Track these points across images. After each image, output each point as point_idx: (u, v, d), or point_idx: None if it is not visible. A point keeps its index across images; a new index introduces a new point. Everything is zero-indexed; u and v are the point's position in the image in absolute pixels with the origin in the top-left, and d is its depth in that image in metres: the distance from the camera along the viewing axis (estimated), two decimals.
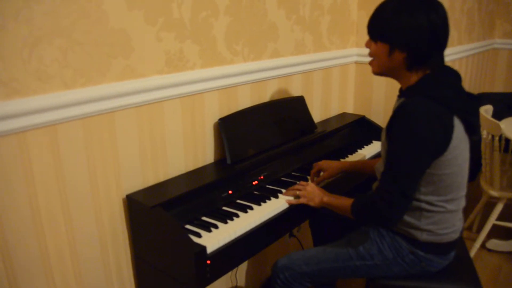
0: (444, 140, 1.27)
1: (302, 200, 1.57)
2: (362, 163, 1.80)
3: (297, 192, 1.60)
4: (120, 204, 1.46)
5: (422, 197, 1.35)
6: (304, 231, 2.35)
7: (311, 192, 1.56)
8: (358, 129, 2.35)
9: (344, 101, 2.57)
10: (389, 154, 1.32)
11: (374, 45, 1.36)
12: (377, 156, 2.12)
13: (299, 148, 1.96)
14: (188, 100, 1.61)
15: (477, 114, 1.36)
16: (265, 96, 1.98)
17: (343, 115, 2.48)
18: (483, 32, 3.54)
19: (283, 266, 1.54)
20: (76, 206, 1.34)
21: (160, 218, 1.33)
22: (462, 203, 1.42)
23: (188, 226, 1.43)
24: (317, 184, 1.74)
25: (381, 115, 2.52)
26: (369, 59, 1.41)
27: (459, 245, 1.54)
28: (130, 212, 1.46)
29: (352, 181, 1.95)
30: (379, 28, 1.33)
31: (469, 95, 1.36)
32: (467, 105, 1.32)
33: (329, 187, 1.72)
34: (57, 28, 1.20)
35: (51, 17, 1.18)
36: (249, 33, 1.82)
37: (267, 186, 1.74)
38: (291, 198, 1.60)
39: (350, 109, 2.62)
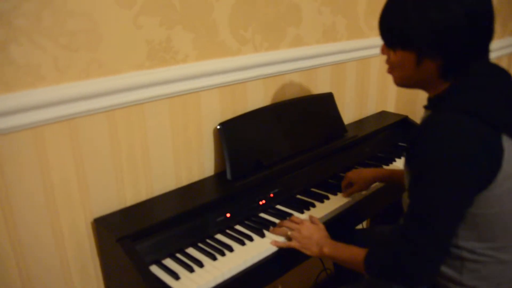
0: (488, 169, 0.91)
1: (293, 244, 1.19)
2: (401, 172, 1.40)
3: (289, 233, 1.22)
4: (88, 229, 1.20)
5: (462, 243, 0.99)
6: None
7: (307, 237, 1.19)
8: (399, 133, 1.95)
9: (384, 98, 2.16)
10: (413, 189, 0.97)
11: (393, 54, 1.01)
12: None
13: (323, 157, 1.61)
14: (179, 100, 1.31)
15: None
16: (282, 94, 1.64)
17: (381, 114, 2.09)
18: None
19: None
20: (29, 238, 1.09)
21: (124, 254, 1.05)
22: None
23: (166, 262, 1.14)
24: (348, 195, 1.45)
25: None
26: None
27: None
28: (100, 240, 1.20)
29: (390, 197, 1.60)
30: (397, 33, 0.97)
31: None
32: None
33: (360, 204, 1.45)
34: None
35: None
36: (262, 15, 1.47)
37: (277, 206, 1.42)
38: (280, 238, 1.23)
39: (391, 108, 2.21)
